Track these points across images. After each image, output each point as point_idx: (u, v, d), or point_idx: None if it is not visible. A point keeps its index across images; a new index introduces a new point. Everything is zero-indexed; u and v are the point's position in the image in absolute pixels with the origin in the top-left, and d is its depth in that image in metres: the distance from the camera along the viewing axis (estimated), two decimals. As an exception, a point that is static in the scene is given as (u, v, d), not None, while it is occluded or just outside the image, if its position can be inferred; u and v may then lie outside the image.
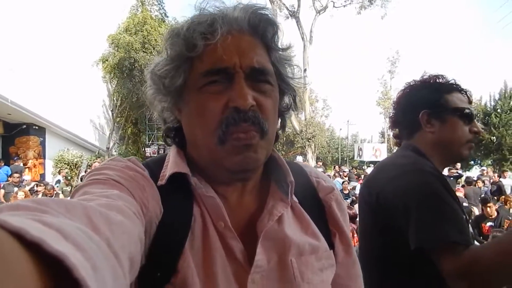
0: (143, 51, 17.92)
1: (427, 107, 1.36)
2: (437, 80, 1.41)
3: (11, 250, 0.25)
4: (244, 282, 0.66)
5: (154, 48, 18.14)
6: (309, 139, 20.88)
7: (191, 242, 0.67)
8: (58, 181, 11.61)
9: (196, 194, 0.71)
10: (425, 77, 1.44)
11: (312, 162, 20.15)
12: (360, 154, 27.42)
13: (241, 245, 0.69)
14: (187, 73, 0.70)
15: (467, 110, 1.33)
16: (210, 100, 0.67)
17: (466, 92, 1.38)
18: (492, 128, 20.55)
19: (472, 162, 22.88)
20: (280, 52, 0.74)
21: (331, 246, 0.79)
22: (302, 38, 21.08)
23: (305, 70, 21.34)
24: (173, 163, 0.72)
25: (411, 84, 1.46)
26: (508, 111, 21.07)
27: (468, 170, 24.09)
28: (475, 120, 1.36)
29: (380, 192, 1.27)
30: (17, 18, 11.34)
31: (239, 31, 0.69)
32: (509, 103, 21.44)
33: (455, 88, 1.38)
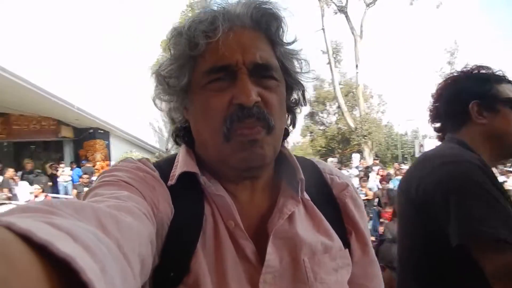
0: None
1: (477, 97, 1.27)
2: (483, 71, 1.33)
3: (18, 252, 0.25)
4: (256, 282, 0.65)
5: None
6: (364, 136, 20.29)
7: (203, 241, 0.66)
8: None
9: (206, 193, 0.71)
10: (468, 68, 1.37)
11: (369, 159, 19.54)
12: (421, 151, 26.10)
13: (252, 245, 0.68)
14: (191, 72, 0.70)
15: None
16: (214, 97, 0.67)
17: None
18: None
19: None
20: (286, 47, 0.73)
21: (347, 245, 0.76)
22: (352, 33, 20.49)
23: (356, 65, 20.76)
24: (182, 163, 0.72)
25: (455, 75, 1.39)
26: None
27: None
28: None
29: (419, 184, 1.20)
30: (82, 28, 12.15)
31: (242, 27, 0.68)
32: None
33: (504, 79, 1.31)
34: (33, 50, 9.72)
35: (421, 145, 26.68)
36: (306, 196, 0.76)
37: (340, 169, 15.65)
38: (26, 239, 0.27)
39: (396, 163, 17.39)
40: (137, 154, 16.06)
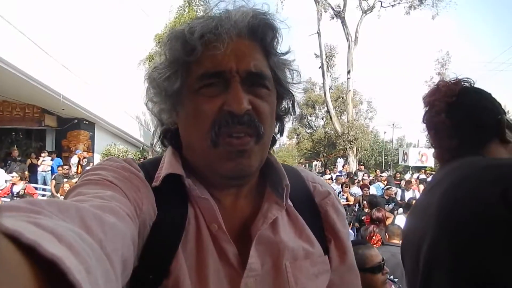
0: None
1: (500, 112, 1.08)
2: (465, 84, 1.14)
3: (6, 252, 0.26)
4: (237, 286, 0.65)
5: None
6: (351, 141, 20.45)
7: (184, 244, 0.66)
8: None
9: (191, 196, 0.70)
10: (453, 80, 1.16)
11: (353, 165, 19.71)
12: (405, 159, 26.50)
13: (234, 249, 0.68)
14: (184, 77, 0.70)
15: None
16: (205, 102, 0.67)
17: None
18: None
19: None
20: (279, 57, 0.73)
21: (326, 251, 0.77)
22: (347, 39, 20.64)
23: (349, 71, 20.91)
24: (168, 164, 0.72)
25: (466, 86, 1.14)
26: None
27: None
28: None
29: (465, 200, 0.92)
30: (70, 18, 11.96)
31: (238, 35, 0.68)
32: None
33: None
34: (20, 36, 9.53)
35: (405, 153, 27.10)
36: (289, 202, 0.76)
37: (324, 173, 15.78)
38: (14, 240, 0.27)
39: (378, 170, 17.60)
40: (121, 147, 15.89)
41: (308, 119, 38.94)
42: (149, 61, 18.34)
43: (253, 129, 0.66)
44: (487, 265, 0.85)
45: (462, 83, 1.14)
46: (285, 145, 56.66)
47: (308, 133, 39.19)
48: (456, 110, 1.10)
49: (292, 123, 42.08)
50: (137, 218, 0.59)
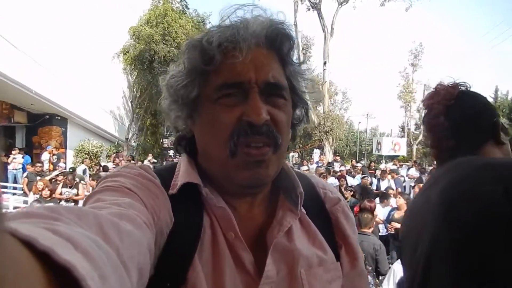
0: (163, 43, 18.08)
1: (495, 115, 1.16)
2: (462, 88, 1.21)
3: (21, 258, 0.26)
4: None
5: (174, 40, 18.26)
6: (326, 132, 20.69)
7: (200, 252, 0.66)
8: (84, 171, 11.79)
9: (206, 204, 0.71)
10: (453, 83, 1.22)
11: (329, 155, 19.98)
12: (379, 148, 27.02)
13: (251, 256, 0.69)
14: (202, 86, 0.70)
15: None
16: (224, 112, 0.67)
17: None
18: (518, 124, 19.90)
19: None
20: (295, 66, 0.74)
21: (337, 257, 0.78)
22: (323, 30, 20.75)
23: (325, 63, 21.10)
24: (184, 173, 0.72)
25: (461, 90, 1.20)
26: (535, 107, 20.36)
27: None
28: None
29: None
30: (41, 9, 11.56)
31: (256, 44, 0.68)
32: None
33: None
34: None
35: (379, 143, 27.61)
36: (303, 209, 0.77)
37: (301, 164, 15.93)
38: (29, 246, 0.27)
39: (353, 160, 17.93)
40: (95, 143, 15.56)
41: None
42: (124, 54, 17.98)
43: (271, 139, 0.67)
44: (489, 261, 0.88)
45: (460, 87, 1.20)
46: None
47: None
48: (454, 113, 1.15)
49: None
50: (154, 226, 0.60)
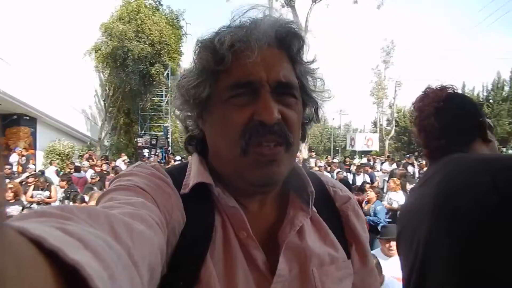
0: (136, 40, 17.73)
1: (481, 115, 1.23)
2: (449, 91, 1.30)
3: (28, 257, 0.26)
4: None
5: (147, 37, 17.96)
6: (302, 129, 20.80)
7: (212, 251, 0.67)
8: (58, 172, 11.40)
9: (218, 203, 0.72)
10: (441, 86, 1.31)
11: (304, 152, 20.17)
12: (352, 144, 27.55)
13: (263, 255, 0.69)
14: (213, 85, 0.70)
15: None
16: (235, 111, 0.67)
17: None
18: (483, 119, 20.59)
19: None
20: (305, 65, 0.75)
21: (348, 255, 0.79)
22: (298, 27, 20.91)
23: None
24: (196, 173, 0.73)
25: (447, 93, 1.28)
26: (500, 102, 21.19)
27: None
28: None
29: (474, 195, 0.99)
30: (7, 5, 11.12)
31: (267, 43, 0.68)
32: (501, 93, 21.56)
33: None
34: None
35: (352, 139, 28.14)
36: (314, 208, 0.77)
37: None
38: (38, 245, 0.27)
39: (329, 156, 18.21)
40: (66, 143, 15.14)
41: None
42: (95, 51, 17.55)
43: (283, 139, 0.67)
44: (486, 250, 0.95)
45: (447, 90, 1.28)
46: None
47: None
48: (443, 114, 1.23)
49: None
50: (166, 226, 0.60)
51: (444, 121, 1.23)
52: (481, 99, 22.28)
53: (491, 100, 21.45)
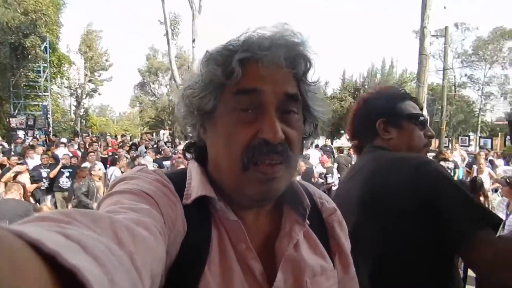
0: (5, 7, 15.42)
1: (383, 115, 1.41)
2: (389, 91, 1.52)
3: (26, 260, 0.26)
4: None
5: (19, 5, 15.69)
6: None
7: (209, 263, 0.68)
8: None
9: (216, 215, 0.73)
10: (377, 89, 1.55)
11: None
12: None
13: (260, 266, 0.71)
14: (219, 97, 0.71)
15: (421, 117, 1.42)
16: (239, 126, 0.68)
17: (416, 99, 1.49)
18: (360, 102, 23.08)
19: (342, 132, 25.60)
20: (310, 86, 0.76)
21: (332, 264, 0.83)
22: (191, 7, 20.41)
23: (193, 40, 20.89)
24: (199, 184, 0.73)
25: (365, 96, 1.53)
26: (373, 87, 24.02)
27: (339, 139, 27.02)
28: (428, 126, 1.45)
29: (412, 189, 1.16)
30: None
31: (275, 61, 0.69)
32: (374, 80, 24.44)
33: (407, 96, 1.47)
34: None
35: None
36: (307, 220, 0.79)
37: (174, 143, 15.67)
38: (36, 249, 0.27)
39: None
40: None
41: (151, 86, 37.68)
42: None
43: (285, 157, 0.68)
44: (411, 243, 1.17)
45: (363, 98, 1.54)
46: (126, 113, 53.60)
47: (151, 101, 38.02)
48: (356, 120, 1.52)
49: (134, 91, 40.12)
50: (168, 235, 0.60)
51: (355, 126, 1.53)
52: (358, 85, 24.85)
53: (366, 86, 24.16)
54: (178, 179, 0.74)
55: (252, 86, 0.67)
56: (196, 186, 0.73)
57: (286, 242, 0.75)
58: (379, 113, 1.42)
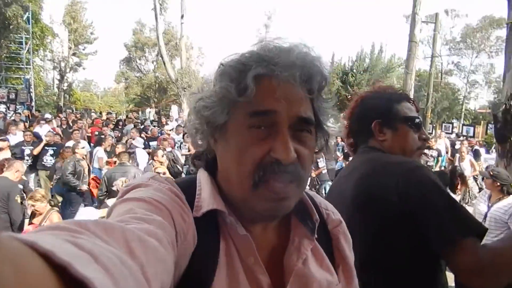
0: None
1: (378, 116, 1.42)
2: (387, 91, 1.52)
3: (37, 270, 0.26)
4: None
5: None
6: (184, 88, 20.51)
7: (217, 276, 0.67)
8: None
9: (225, 229, 0.72)
10: (375, 88, 1.55)
11: (187, 112, 19.97)
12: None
13: (269, 280, 0.71)
14: (232, 113, 0.70)
15: (416, 119, 1.43)
16: (252, 144, 0.67)
17: (414, 101, 1.48)
18: (348, 86, 23.08)
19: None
20: (323, 102, 0.76)
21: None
22: (181, -19, 19.92)
23: (182, 16, 20.46)
24: (210, 197, 0.72)
25: (363, 95, 1.54)
26: (362, 72, 23.88)
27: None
28: (423, 128, 1.46)
29: (399, 192, 1.18)
30: None
31: (290, 78, 0.67)
32: (363, 64, 24.32)
33: (404, 97, 1.47)
34: None
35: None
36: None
37: (160, 121, 15.46)
38: (47, 259, 0.28)
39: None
40: None
41: (137, 62, 36.93)
42: None
43: (296, 177, 0.68)
44: (387, 235, 1.21)
45: (361, 97, 1.54)
46: (111, 89, 52.63)
47: (137, 77, 37.34)
48: (351, 120, 1.52)
49: (120, 66, 39.27)
50: (179, 246, 0.60)
51: (351, 125, 1.53)
52: (347, 69, 24.75)
53: (354, 70, 24.07)
54: (188, 189, 0.73)
55: (266, 108, 0.67)
56: (206, 198, 0.72)
57: (295, 258, 0.74)
58: (375, 114, 1.44)
